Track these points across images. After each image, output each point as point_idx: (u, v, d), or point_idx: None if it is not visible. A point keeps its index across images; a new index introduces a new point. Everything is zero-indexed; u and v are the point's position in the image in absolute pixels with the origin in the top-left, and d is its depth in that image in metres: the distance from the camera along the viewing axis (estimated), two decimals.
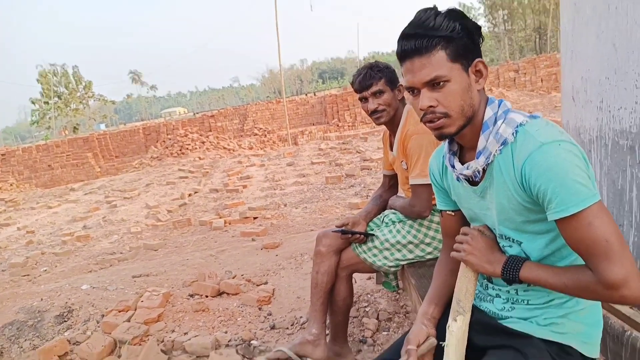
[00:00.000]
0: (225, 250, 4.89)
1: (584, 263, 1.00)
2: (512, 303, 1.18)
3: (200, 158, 15.09)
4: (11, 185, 17.70)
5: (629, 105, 1.87)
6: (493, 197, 1.13)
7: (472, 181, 1.18)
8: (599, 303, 1.18)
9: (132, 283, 3.86)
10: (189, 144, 16.32)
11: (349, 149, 12.21)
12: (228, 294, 3.42)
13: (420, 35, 1.04)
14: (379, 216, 2.31)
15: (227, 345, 2.62)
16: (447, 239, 1.37)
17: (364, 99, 2.13)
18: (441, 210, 1.36)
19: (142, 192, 10.42)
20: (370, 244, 2.18)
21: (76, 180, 19.39)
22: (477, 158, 1.11)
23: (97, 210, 9.18)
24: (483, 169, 1.12)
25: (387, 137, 2.35)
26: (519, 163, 1.03)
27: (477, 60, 1.09)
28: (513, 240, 1.14)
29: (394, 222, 2.20)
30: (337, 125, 21.64)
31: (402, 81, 1.13)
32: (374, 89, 2.08)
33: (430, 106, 1.07)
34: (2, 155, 21.92)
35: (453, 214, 1.32)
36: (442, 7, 1.10)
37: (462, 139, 1.16)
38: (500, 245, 1.19)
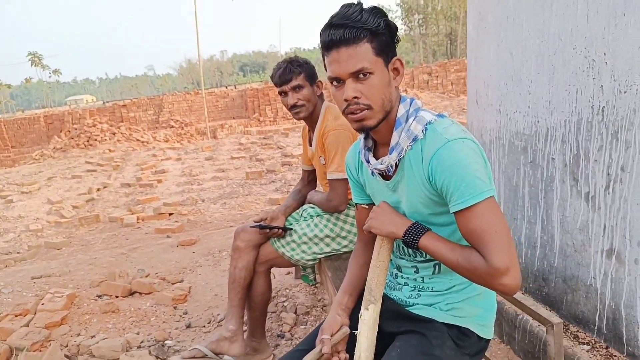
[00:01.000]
0: (138, 247, 4.66)
1: None
2: (419, 290, 1.27)
3: (110, 150, 14.16)
4: None
5: (523, 109, 2.07)
6: (404, 190, 1.19)
7: (385, 175, 1.24)
8: None
9: (31, 285, 3.55)
10: (98, 135, 15.23)
11: (270, 144, 12.16)
12: (141, 293, 3.27)
13: (349, 26, 1.07)
14: (297, 211, 2.34)
15: (139, 347, 2.51)
16: (361, 232, 1.42)
17: (283, 93, 2.14)
18: (356, 204, 1.41)
19: (43, 186, 9.57)
20: (288, 238, 2.20)
21: None
22: (390, 153, 1.16)
23: None
24: (395, 163, 1.18)
25: (307, 132, 2.38)
26: (427, 158, 1.10)
27: (395, 58, 1.15)
28: None
29: (312, 216, 2.24)
30: (258, 120, 21.46)
31: (328, 71, 1.14)
32: (294, 83, 2.10)
33: (355, 97, 1.10)
34: None
35: (367, 207, 1.38)
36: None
37: (377, 135, 1.22)
38: None
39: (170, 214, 6.25)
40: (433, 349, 1.15)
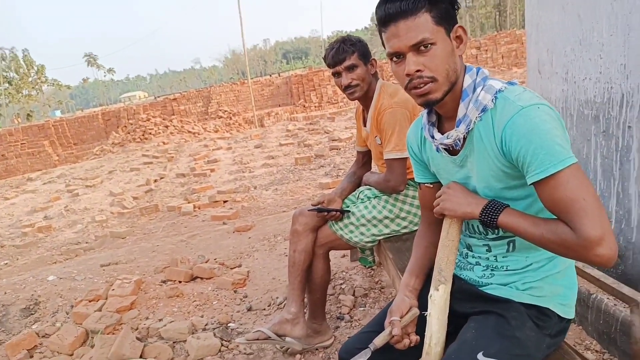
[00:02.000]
0: (196, 235, 4.82)
1: None
2: (492, 270, 1.21)
3: (164, 143, 14.70)
4: None
5: (594, 75, 1.92)
6: (474, 164, 1.13)
7: (452, 151, 1.18)
8: (573, 265, 1.22)
9: (100, 272, 3.75)
10: (152, 129, 15.84)
11: (316, 130, 12.17)
12: (202, 278, 3.38)
13: None
14: (354, 193, 2.31)
15: (204, 329, 2.60)
16: (425, 212, 1.38)
17: (337, 74, 2.10)
18: (419, 183, 1.37)
19: (105, 179, 10.10)
20: (346, 221, 2.18)
21: (33, 169, 18.58)
22: (457, 126, 1.11)
23: (58, 200, 8.85)
24: (463, 137, 1.12)
25: (360, 113, 2.34)
26: (500, 128, 1.04)
27: (457, 25, 1.09)
28: None
29: (369, 198, 2.21)
30: (304, 106, 21.50)
31: (386, 47, 1.09)
32: (347, 63, 2.05)
33: (418, 70, 1.05)
34: None
35: (432, 186, 1.33)
36: None
37: (441, 108, 1.16)
38: None
39: (224, 202, 6.42)
40: (513, 330, 1.09)
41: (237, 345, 2.39)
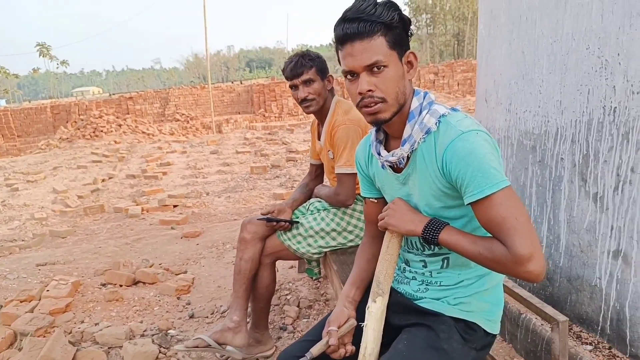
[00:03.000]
0: (142, 238, 4.68)
1: None
2: (427, 285, 1.27)
3: (116, 142, 14.21)
4: None
5: (533, 109, 2.07)
6: (415, 183, 1.20)
7: (396, 168, 1.24)
8: (501, 285, 1.30)
9: (35, 272, 3.57)
10: (104, 126, 15.27)
11: (275, 140, 12.17)
12: (144, 283, 3.29)
13: (363, 20, 1.08)
14: (304, 204, 2.34)
15: (142, 335, 2.53)
16: (369, 225, 1.43)
17: (294, 87, 2.15)
18: (365, 198, 1.42)
19: (49, 175, 9.62)
20: (295, 232, 2.21)
21: None
22: (403, 146, 1.17)
23: None
24: (407, 156, 1.18)
25: (316, 126, 2.39)
26: (441, 150, 1.11)
27: (409, 51, 1.15)
28: None
29: (318, 210, 2.25)
30: (264, 116, 21.47)
31: (342, 65, 1.14)
32: (305, 77, 2.10)
33: (369, 90, 1.11)
34: None
35: (376, 201, 1.38)
36: None
37: (389, 128, 1.22)
38: None
39: (174, 206, 6.28)
40: (440, 342, 1.15)
41: (176, 353, 2.34)
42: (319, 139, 2.33)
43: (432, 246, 1.22)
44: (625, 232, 1.65)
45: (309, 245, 2.21)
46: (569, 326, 1.92)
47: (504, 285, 1.48)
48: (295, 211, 2.30)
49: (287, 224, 2.19)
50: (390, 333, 1.24)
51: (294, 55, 2.15)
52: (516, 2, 2.11)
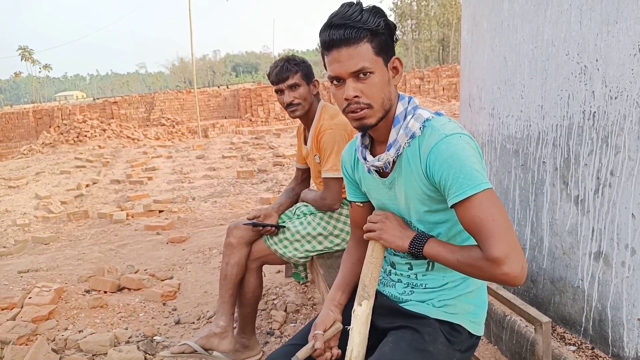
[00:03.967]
0: (127, 244, 4.63)
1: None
2: (412, 287, 1.28)
3: (100, 147, 14.03)
4: None
5: (515, 113, 2.10)
6: (401, 187, 1.21)
7: (382, 173, 1.25)
8: (485, 287, 1.32)
9: (17, 279, 3.51)
10: (88, 131, 15.06)
11: (261, 144, 12.15)
12: (129, 289, 3.25)
13: (349, 26, 1.08)
14: (290, 209, 2.34)
15: (127, 342, 2.50)
16: (355, 229, 1.44)
17: (279, 91, 2.16)
18: (351, 202, 1.43)
19: (31, 181, 9.46)
20: (281, 236, 2.21)
21: None
22: (388, 150, 1.18)
23: None
24: (393, 161, 1.19)
25: (302, 131, 2.40)
26: (425, 153, 1.12)
27: (394, 57, 1.17)
28: (416, 229, 1.24)
29: (305, 215, 2.25)
30: (250, 120, 21.40)
31: (328, 70, 1.15)
32: (290, 82, 2.11)
33: (356, 96, 1.12)
34: None
35: (362, 205, 1.39)
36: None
37: (375, 133, 1.23)
38: None
39: (160, 212, 6.22)
40: (426, 344, 1.16)
41: (162, 359, 2.32)
42: (305, 144, 2.33)
43: (422, 259, 1.23)
44: (606, 234, 1.69)
45: (296, 249, 2.21)
46: (553, 327, 1.95)
47: (488, 287, 1.51)
48: (282, 215, 2.30)
49: (273, 228, 2.19)
50: (375, 336, 1.24)
51: (279, 60, 2.16)
52: (498, 8, 2.15)
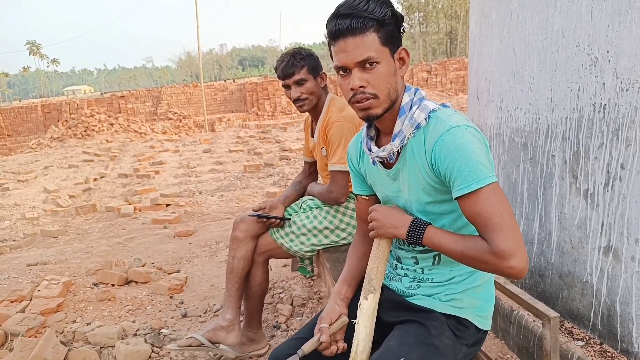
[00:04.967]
0: (135, 237, 4.66)
1: None
2: (418, 281, 1.27)
3: (108, 141, 14.10)
4: None
5: (524, 106, 2.07)
6: (405, 178, 1.20)
7: (387, 164, 1.24)
8: (492, 281, 1.31)
9: (26, 272, 3.54)
10: (96, 125, 15.14)
11: (268, 138, 12.14)
12: (137, 282, 3.27)
13: (355, 16, 1.08)
14: (297, 202, 2.34)
15: (134, 335, 2.51)
16: (360, 223, 1.43)
17: (287, 87, 2.14)
18: (356, 195, 1.42)
19: (40, 175, 9.53)
20: (287, 229, 2.20)
21: None
22: (393, 141, 1.17)
23: None
24: (397, 152, 1.18)
25: (309, 124, 2.38)
26: (430, 145, 1.11)
27: (401, 48, 1.15)
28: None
29: (311, 208, 2.24)
30: (257, 114, 21.42)
31: (334, 60, 1.14)
32: (297, 77, 2.09)
33: (361, 86, 1.11)
34: None
35: (367, 198, 1.38)
36: None
37: (381, 124, 1.22)
38: None
39: (167, 205, 6.25)
40: (432, 338, 1.15)
41: (169, 352, 2.33)
42: (312, 136, 2.32)
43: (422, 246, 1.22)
44: (615, 228, 1.66)
45: (302, 243, 2.20)
46: (561, 322, 1.93)
47: (495, 281, 1.49)
48: (288, 209, 2.29)
49: (279, 220, 2.18)
50: (381, 330, 1.24)
51: (285, 54, 2.15)
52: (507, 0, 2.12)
